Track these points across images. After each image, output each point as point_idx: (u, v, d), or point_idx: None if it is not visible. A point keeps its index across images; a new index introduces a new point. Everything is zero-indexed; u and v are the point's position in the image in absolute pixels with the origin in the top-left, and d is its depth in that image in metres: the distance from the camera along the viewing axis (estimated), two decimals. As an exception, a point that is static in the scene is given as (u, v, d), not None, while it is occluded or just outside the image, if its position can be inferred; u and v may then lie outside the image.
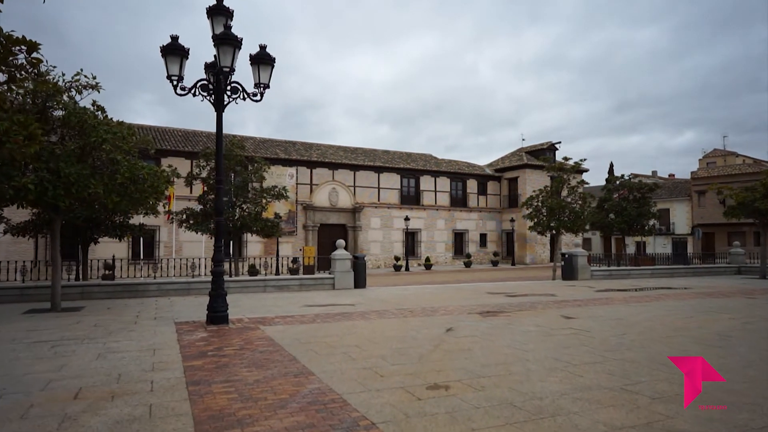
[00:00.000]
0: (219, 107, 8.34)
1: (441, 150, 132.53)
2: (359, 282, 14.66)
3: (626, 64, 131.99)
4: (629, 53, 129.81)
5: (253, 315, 9.25)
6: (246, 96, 8.56)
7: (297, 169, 32.83)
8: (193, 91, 8.32)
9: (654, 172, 61.48)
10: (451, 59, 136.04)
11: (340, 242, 14.78)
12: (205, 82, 8.37)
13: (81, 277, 16.14)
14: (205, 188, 17.69)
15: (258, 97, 8.62)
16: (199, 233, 17.16)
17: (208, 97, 8.36)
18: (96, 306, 10.59)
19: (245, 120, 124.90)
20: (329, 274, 14.85)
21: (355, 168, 34.94)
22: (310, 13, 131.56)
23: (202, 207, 17.34)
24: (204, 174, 17.36)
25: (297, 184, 32.66)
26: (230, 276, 17.65)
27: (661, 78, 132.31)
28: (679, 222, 42.72)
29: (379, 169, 35.90)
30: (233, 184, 17.43)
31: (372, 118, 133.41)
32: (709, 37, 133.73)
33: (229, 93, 8.44)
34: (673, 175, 60.56)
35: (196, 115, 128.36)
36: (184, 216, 17.12)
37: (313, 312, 9.64)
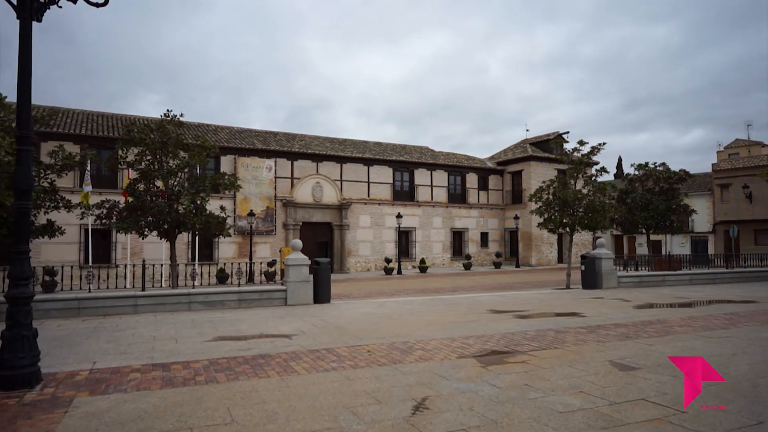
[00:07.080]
0: (24, 11, 4.84)
1: (446, 149, 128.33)
2: (321, 295, 11.11)
3: (638, 62, 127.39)
4: (641, 51, 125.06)
5: (110, 362, 5.74)
6: (79, -5, 5.07)
7: (276, 161, 29.24)
8: (-20, -16, 4.83)
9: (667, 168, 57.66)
10: (462, 58, 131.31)
11: (296, 242, 11.23)
12: (4, -32, 4.88)
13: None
14: (137, 176, 14.07)
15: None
16: (123, 233, 13.57)
17: (6, -6, 4.86)
18: None
19: (251, 120, 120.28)
20: (282, 284, 11.34)
21: (341, 160, 31.34)
22: (322, 12, 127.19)
23: (132, 199, 13.74)
24: (130, 157, 13.77)
25: (276, 177, 29.09)
26: (182, 284, 14.19)
27: (671, 76, 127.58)
28: (699, 218, 39.05)
29: (369, 162, 32.28)
30: (167, 170, 13.76)
31: (379, 117, 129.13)
32: (723, 35, 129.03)
33: (46, -11, 4.95)
34: (685, 170, 56.86)
35: (202, 114, 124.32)
36: (104, 210, 13.49)
37: (213, 354, 6.11)
